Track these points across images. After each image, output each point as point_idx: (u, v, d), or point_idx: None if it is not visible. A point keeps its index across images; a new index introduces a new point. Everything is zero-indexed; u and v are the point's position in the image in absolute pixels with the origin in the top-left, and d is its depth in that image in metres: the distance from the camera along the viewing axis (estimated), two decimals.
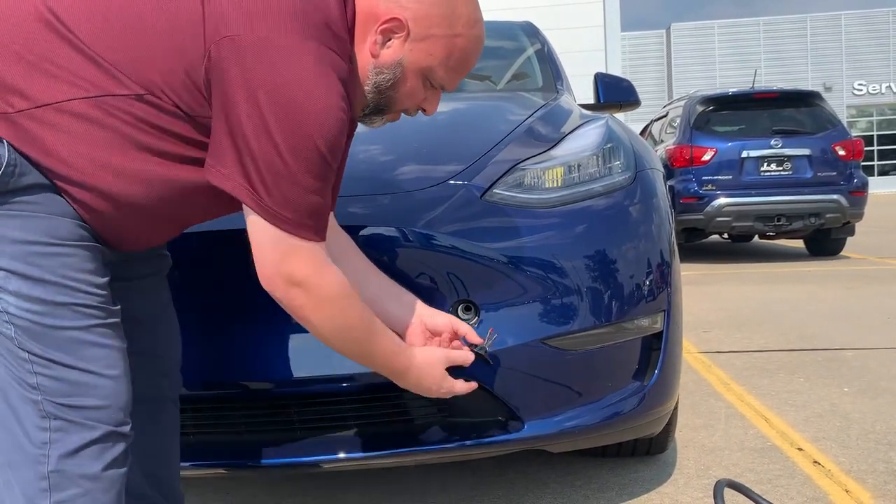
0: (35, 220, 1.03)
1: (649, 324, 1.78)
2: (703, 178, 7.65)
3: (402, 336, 1.40)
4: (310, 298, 1.13)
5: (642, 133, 10.15)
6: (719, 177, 7.62)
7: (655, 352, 1.80)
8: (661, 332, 1.80)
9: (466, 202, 1.67)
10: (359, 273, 1.38)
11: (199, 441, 1.67)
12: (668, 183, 7.92)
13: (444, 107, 2.49)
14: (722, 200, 7.55)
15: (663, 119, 9.28)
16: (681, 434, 2.48)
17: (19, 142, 1.01)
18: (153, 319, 1.36)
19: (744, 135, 7.84)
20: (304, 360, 1.59)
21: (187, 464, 1.58)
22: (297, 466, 1.64)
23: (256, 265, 1.13)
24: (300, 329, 1.59)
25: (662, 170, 2.11)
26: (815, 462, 2.20)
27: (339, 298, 1.16)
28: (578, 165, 1.86)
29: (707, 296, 5.59)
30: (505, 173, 1.76)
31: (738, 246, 9.62)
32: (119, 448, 1.08)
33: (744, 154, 7.61)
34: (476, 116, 2.23)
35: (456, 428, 1.65)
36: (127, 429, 1.10)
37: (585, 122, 2.08)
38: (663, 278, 1.81)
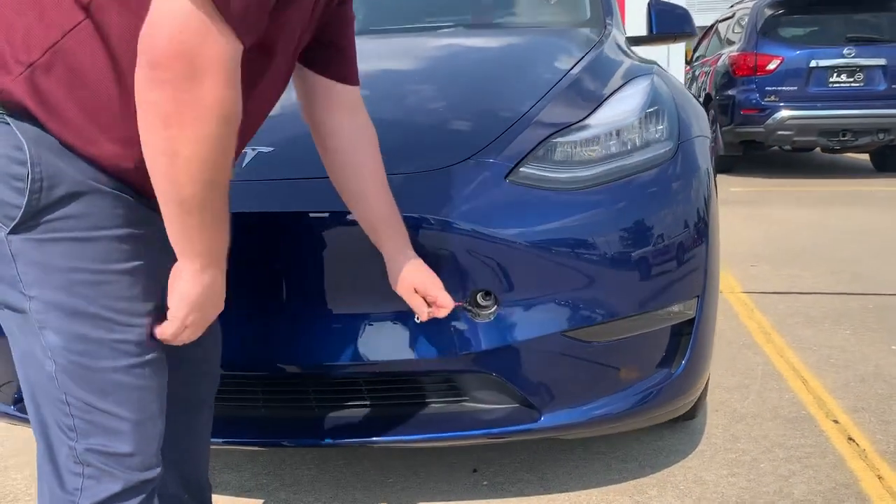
0: (79, 245, 0.97)
1: (682, 310, 1.70)
2: (767, 88, 7.26)
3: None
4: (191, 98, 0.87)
5: (706, 33, 9.61)
6: (784, 87, 7.22)
7: (686, 337, 1.72)
8: (693, 318, 1.72)
9: (490, 182, 1.58)
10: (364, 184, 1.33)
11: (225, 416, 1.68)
12: (729, 92, 7.56)
13: (473, 51, 2.35)
14: (784, 113, 7.17)
15: (730, 20, 8.73)
16: (713, 395, 2.42)
17: (37, 105, 0.94)
18: None
19: (814, 42, 7.34)
20: (325, 346, 1.57)
21: (220, 440, 1.61)
22: (313, 447, 1.65)
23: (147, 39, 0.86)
24: (323, 315, 1.58)
25: (709, 134, 1.97)
26: (850, 439, 2.13)
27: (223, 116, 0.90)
28: (617, 132, 1.73)
29: (758, 221, 5.39)
30: (534, 148, 1.65)
31: (797, 157, 9.21)
32: (144, 495, 1.07)
33: (812, 63, 7.16)
34: (507, 70, 2.07)
35: (477, 416, 1.62)
36: (156, 472, 1.07)
37: (628, 82, 1.92)
38: (699, 262, 1.70)
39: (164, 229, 0.98)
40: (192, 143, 0.88)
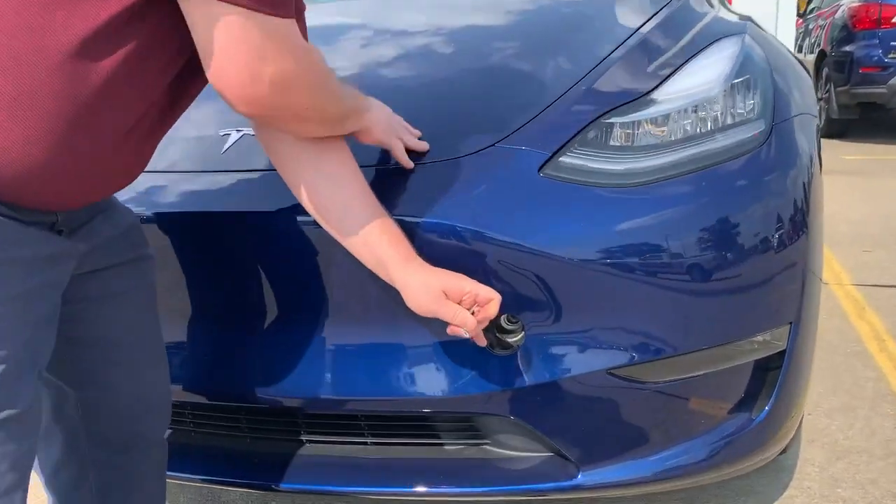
0: None
1: (769, 340, 1.33)
2: (892, 43, 6.45)
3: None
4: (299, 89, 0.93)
5: None
6: None
7: (773, 373, 1.35)
8: (784, 349, 1.34)
9: (520, 177, 1.24)
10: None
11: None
12: (847, 48, 6.79)
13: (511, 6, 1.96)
14: None
15: None
16: (810, 420, 2.02)
17: None
18: (133, 345, 1.09)
19: None
20: (321, 379, 1.28)
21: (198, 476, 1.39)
22: (309, 493, 1.38)
23: (219, 77, 0.85)
24: (319, 345, 1.30)
25: (815, 112, 1.55)
26: None
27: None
28: (695, 108, 1.36)
29: (874, 195, 4.77)
30: (583, 129, 1.30)
31: None
32: None
33: None
34: (555, 27, 1.68)
35: (499, 467, 1.31)
36: None
37: (712, 43, 1.52)
38: (795, 280, 1.32)
39: (42, 250, 0.85)
40: (309, 107, 0.96)
